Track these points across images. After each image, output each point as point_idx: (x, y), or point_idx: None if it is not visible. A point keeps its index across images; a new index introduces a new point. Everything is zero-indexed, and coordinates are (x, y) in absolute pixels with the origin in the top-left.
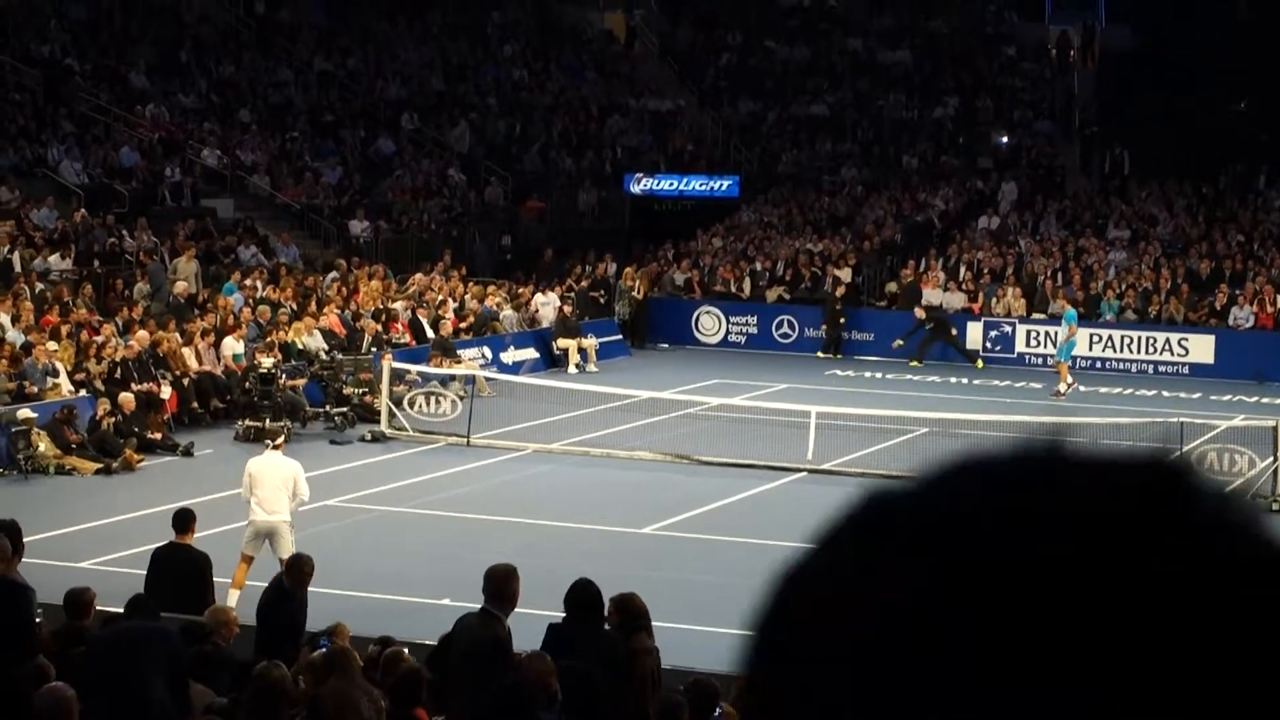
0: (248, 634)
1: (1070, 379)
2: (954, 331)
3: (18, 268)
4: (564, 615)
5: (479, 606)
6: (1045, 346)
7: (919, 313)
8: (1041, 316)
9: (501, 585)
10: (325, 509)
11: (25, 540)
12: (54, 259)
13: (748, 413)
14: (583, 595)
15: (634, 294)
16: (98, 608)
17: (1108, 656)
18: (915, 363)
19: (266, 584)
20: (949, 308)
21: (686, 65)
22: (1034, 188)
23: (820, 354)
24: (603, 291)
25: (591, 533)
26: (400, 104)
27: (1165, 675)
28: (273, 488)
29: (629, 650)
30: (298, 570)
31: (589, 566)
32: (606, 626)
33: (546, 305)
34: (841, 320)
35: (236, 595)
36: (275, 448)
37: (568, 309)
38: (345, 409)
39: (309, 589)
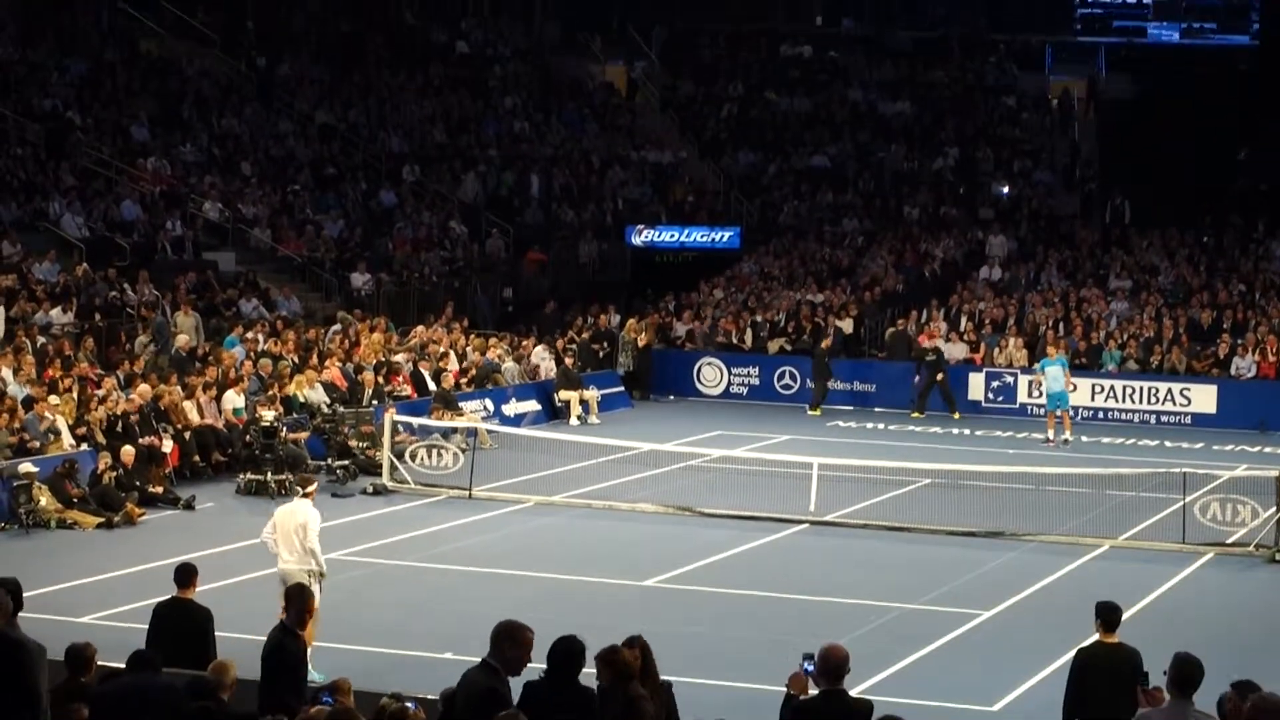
0: (245, 687)
1: (1052, 431)
2: (942, 376)
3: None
4: (544, 672)
5: (480, 659)
6: (1044, 397)
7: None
8: (1037, 366)
9: (502, 638)
10: (327, 562)
11: (26, 595)
12: (55, 312)
13: (750, 464)
14: (560, 653)
15: (637, 343)
16: (99, 662)
17: None
18: (916, 414)
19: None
20: (950, 358)
21: (687, 117)
22: (1034, 238)
23: (810, 410)
24: (605, 343)
25: (594, 585)
26: (402, 156)
27: None
28: (286, 534)
29: (626, 698)
30: (297, 600)
31: (591, 619)
32: (598, 682)
33: (545, 360)
34: (828, 371)
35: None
36: (305, 495)
37: (569, 361)
38: (347, 462)
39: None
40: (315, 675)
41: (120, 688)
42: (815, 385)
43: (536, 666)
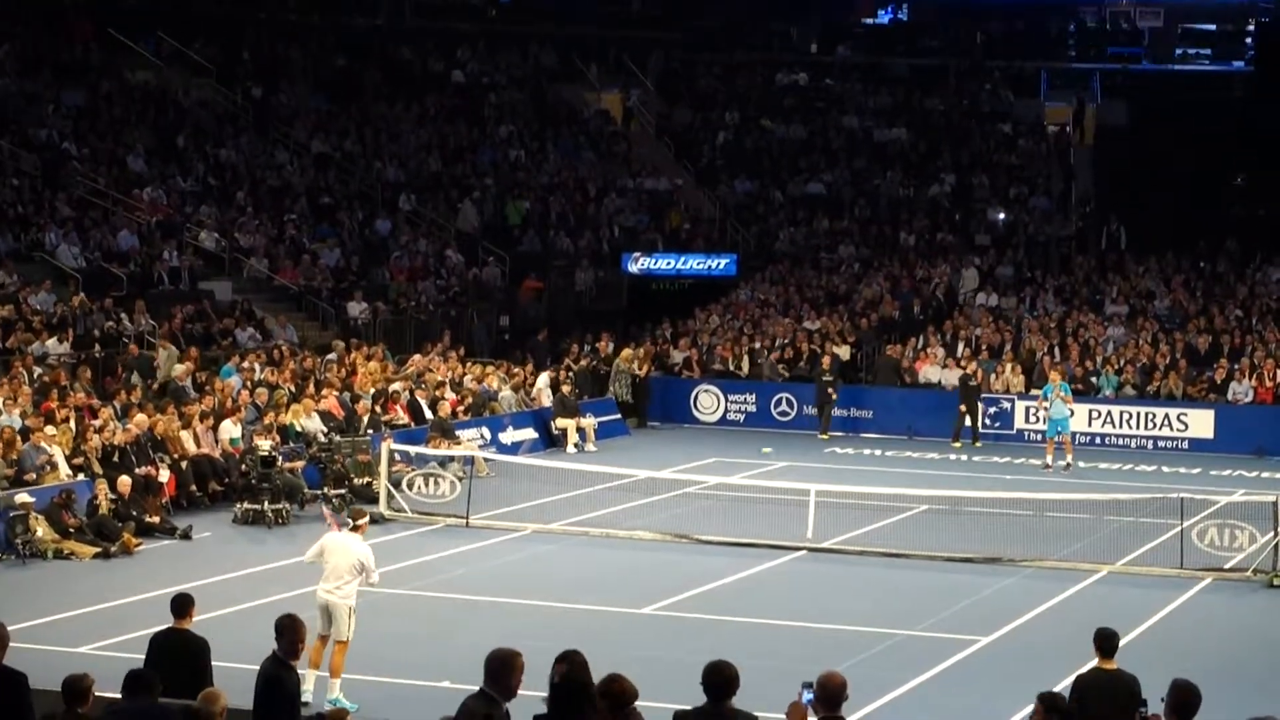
0: (236, 717)
1: (1050, 457)
2: (964, 408)
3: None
4: (547, 702)
5: (477, 688)
6: (1044, 423)
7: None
8: (1040, 392)
9: (498, 668)
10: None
11: (23, 625)
12: (52, 343)
13: (747, 491)
14: (566, 685)
15: (633, 370)
16: (96, 693)
17: None
18: (956, 444)
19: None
20: (946, 385)
21: (683, 144)
22: (1030, 264)
23: (821, 435)
24: (606, 369)
25: (591, 613)
26: (398, 185)
27: None
28: (337, 569)
29: None
30: (289, 632)
31: (588, 647)
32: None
33: (543, 388)
34: (833, 397)
35: (313, 676)
36: (356, 529)
37: (566, 389)
38: (343, 490)
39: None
40: (348, 704)
41: (120, 713)
42: (820, 411)
43: (530, 694)
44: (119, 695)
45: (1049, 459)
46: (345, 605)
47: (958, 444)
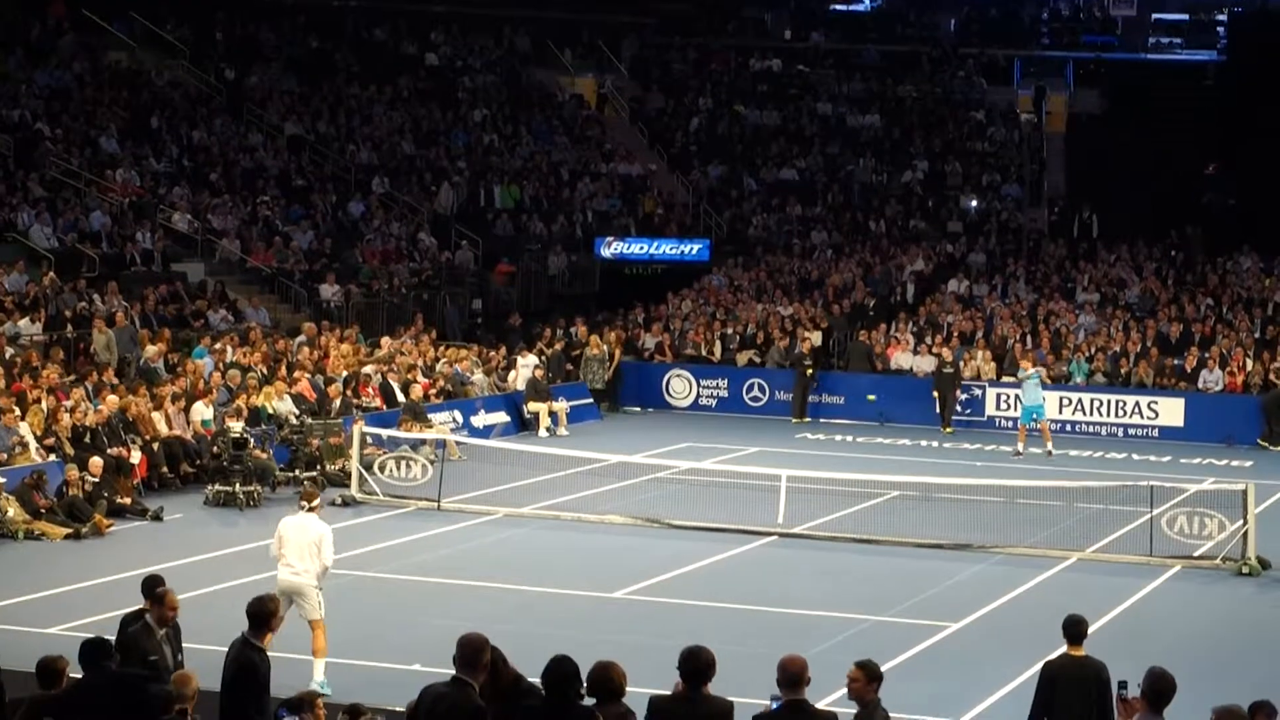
0: (206, 698)
1: (1022, 444)
2: (936, 393)
3: None
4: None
5: (450, 674)
6: (1015, 409)
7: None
8: (1011, 380)
9: (474, 654)
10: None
11: None
12: (24, 323)
13: (718, 476)
14: (556, 674)
15: (605, 357)
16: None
17: None
18: (948, 429)
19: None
20: (919, 371)
21: (657, 130)
22: (1002, 251)
23: (795, 419)
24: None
25: (562, 597)
26: (371, 168)
27: None
28: (299, 547)
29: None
30: (261, 614)
31: (560, 631)
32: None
33: (526, 368)
34: (812, 383)
35: (320, 665)
36: (311, 509)
37: (538, 373)
38: (314, 473)
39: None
40: (324, 689)
41: (86, 690)
42: (795, 395)
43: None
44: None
45: (1020, 446)
46: (310, 585)
47: (949, 429)
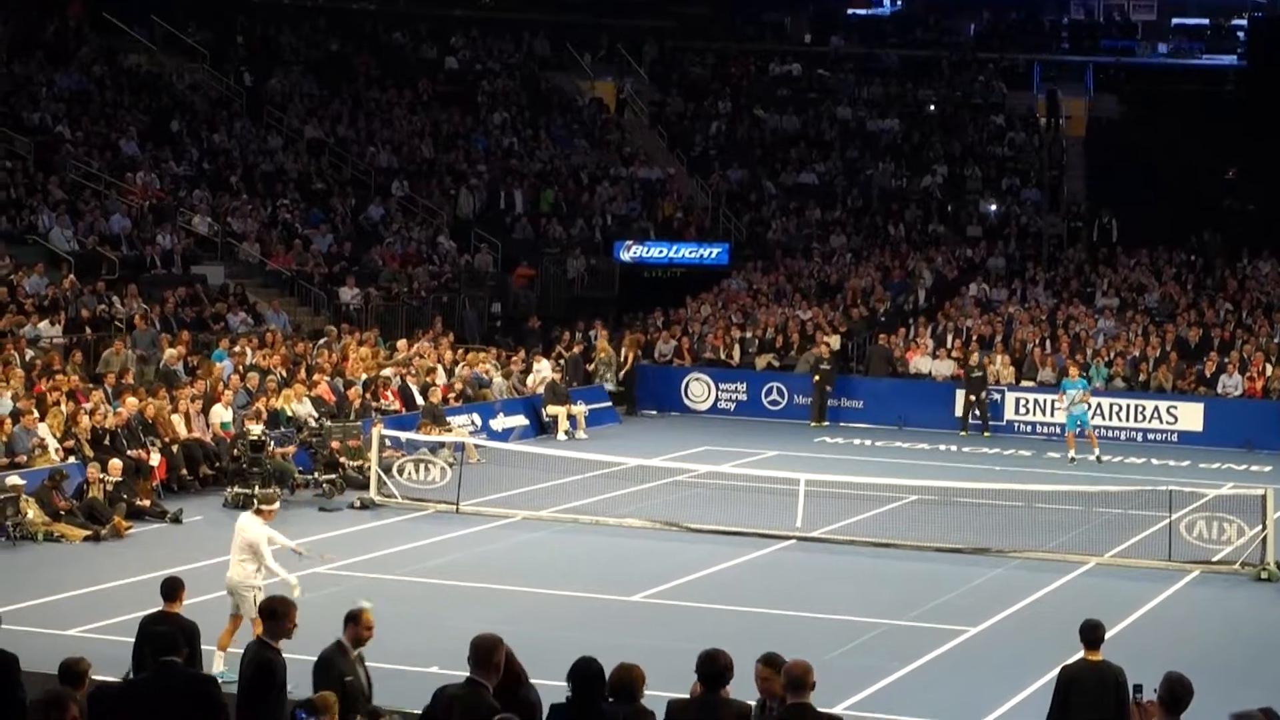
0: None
1: (1073, 450)
2: (972, 397)
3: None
4: (568, 694)
5: (464, 676)
6: (1034, 414)
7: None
8: (1030, 384)
9: (487, 654)
10: (313, 576)
11: (13, 607)
12: (44, 325)
13: (737, 480)
14: (582, 675)
15: (622, 360)
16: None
17: None
18: (986, 434)
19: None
20: (938, 375)
21: (676, 133)
22: (1022, 255)
23: (812, 423)
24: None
25: (580, 600)
26: (391, 171)
27: None
28: (236, 548)
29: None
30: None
31: (578, 634)
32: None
33: (541, 372)
34: (828, 387)
35: (220, 657)
36: (258, 511)
37: (557, 376)
38: (334, 476)
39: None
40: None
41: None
42: (815, 399)
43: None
44: (109, 679)
45: (1072, 452)
46: (245, 584)
47: (986, 434)
